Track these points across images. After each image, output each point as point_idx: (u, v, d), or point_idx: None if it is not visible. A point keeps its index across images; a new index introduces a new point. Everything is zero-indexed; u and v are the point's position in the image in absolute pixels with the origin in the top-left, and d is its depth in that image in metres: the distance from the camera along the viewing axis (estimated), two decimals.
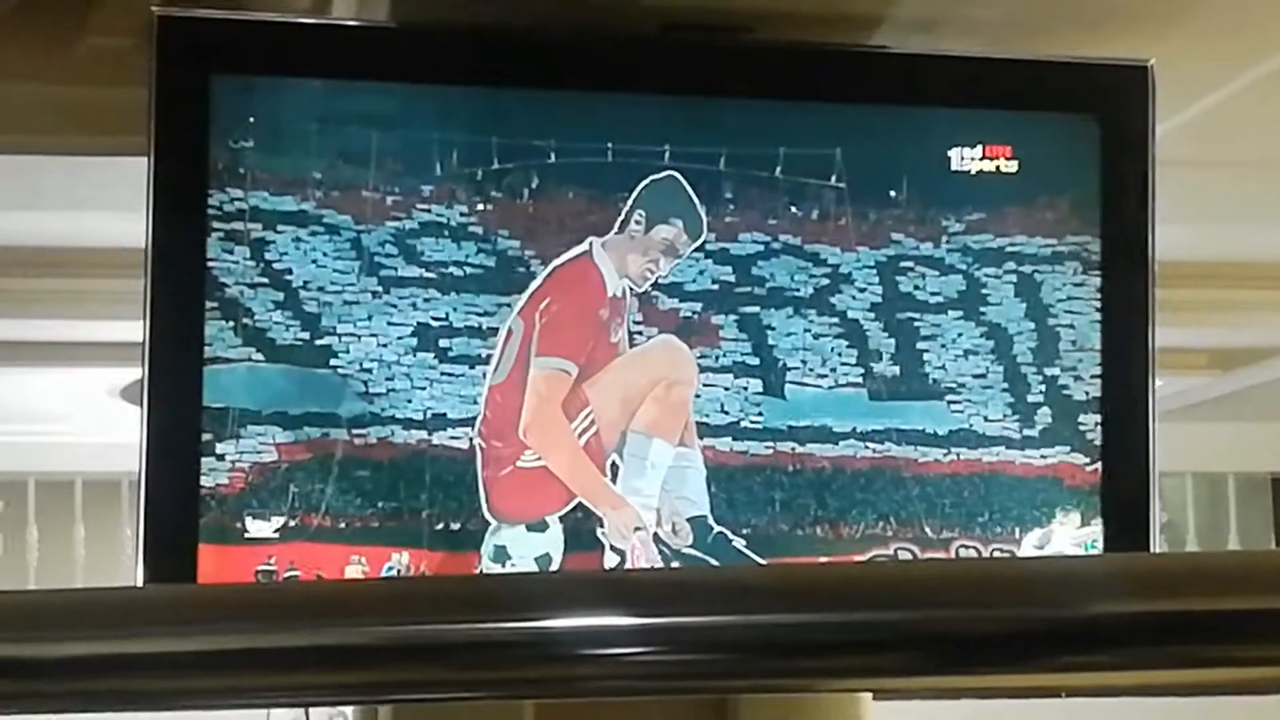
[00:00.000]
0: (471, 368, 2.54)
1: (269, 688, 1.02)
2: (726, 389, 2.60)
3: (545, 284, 2.57)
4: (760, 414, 2.60)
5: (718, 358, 2.60)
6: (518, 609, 0.97)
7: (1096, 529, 2.69)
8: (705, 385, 2.60)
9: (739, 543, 2.59)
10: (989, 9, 2.80)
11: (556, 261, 2.58)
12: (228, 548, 2.50)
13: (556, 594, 1.00)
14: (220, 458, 2.49)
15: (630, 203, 2.59)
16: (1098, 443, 2.71)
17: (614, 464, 2.59)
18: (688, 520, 2.59)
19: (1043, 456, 2.68)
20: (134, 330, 2.57)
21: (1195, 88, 3.09)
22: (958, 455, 2.63)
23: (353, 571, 2.51)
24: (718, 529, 2.59)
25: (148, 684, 0.99)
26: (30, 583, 6.99)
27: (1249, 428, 7.25)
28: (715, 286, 2.60)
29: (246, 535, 2.49)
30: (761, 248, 2.61)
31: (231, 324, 2.50)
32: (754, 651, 0.93)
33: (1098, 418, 2.72)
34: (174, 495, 2.50)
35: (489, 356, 2.55)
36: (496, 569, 2.55)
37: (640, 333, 2.60)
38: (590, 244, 2.59)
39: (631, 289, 2.60)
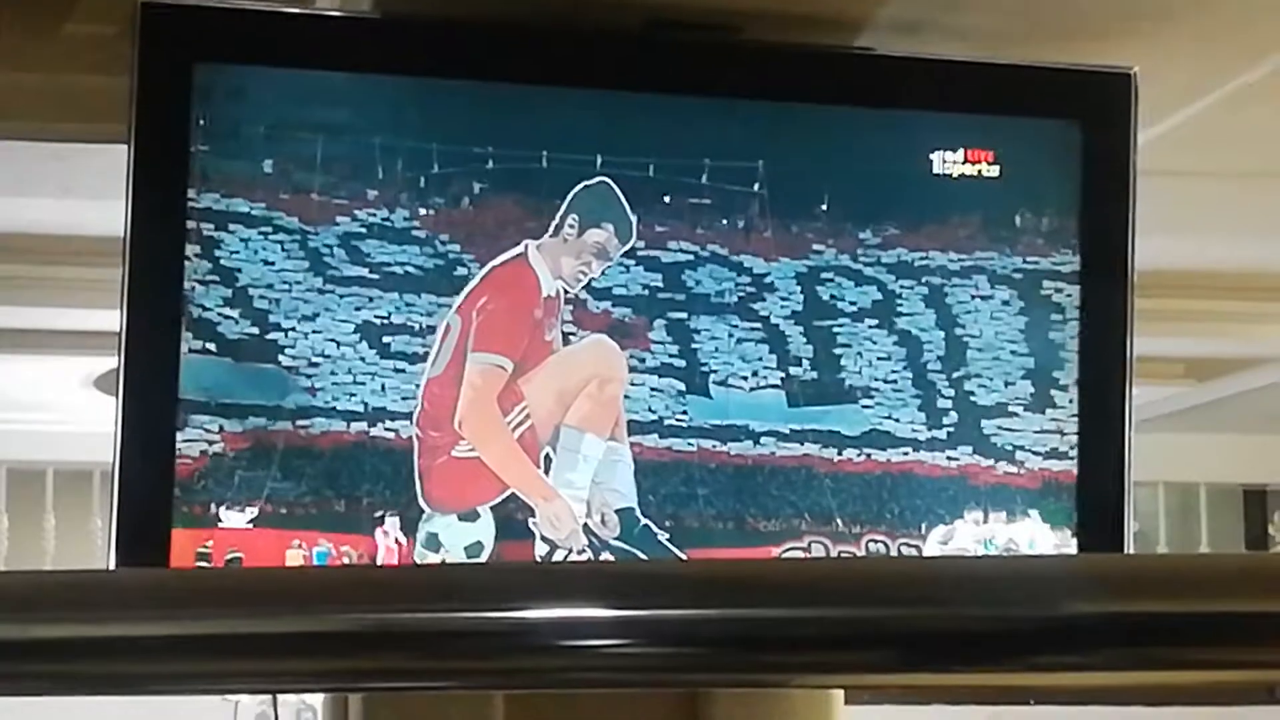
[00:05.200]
0: (412, 363, 2.57)
1: (240, 674, 1.00)
2: (654, 389, 2.65)
3: (482, 283, 2.61)
4: (685, 413, 2.66)
5: (645, 359, 2.65)
6: (491, 599, 0.95)
7: (1022, 529, 2.75)
8: (634, 385, 2.65)
9: (663, 535, 2.65)
10: (974, 14, 2.80)
11: (493, 262, 2.61)
12: (174, 530, 2.51)
13: (530, 584, 0.99)
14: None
15: (565, 207, 2.64)
16: (1072, 448, 2.76)
17: (547, 456, 2.63)
18: (616, 512, 2.64)
19: (948, 457, 2.74)
20: (110, 319, 2.56)
21: (1176, 97, 3.10)
22: (868, 455, 2.70)
23: (293, 556, 2.54)
24: (644, 521, 2.65)
25: (118, 668, 0.98)
26: None
27: (1222, 438, 7.26)
28: (645, 292, 2.65)
29: (190, 519, 2.51)
30: (690, 256, 2.66)
31: (192, 318, 2.51)
32: (728, 645, 0.92)
33: (1071, 423, 2.76)
34: (147, 481, 2.50)
35: (427, 353, 2.58)
36: (430, 556, 2.58)
37: (574, 334, 2.64)
38: (526, 246, 2.63)
39: (565, 290, 2.64)
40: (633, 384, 2.66)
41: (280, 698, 4.10)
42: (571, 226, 2.64)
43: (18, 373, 6.41)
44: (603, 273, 2.65)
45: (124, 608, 0.97)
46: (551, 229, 2.64)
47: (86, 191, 3.67)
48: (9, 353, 5.77)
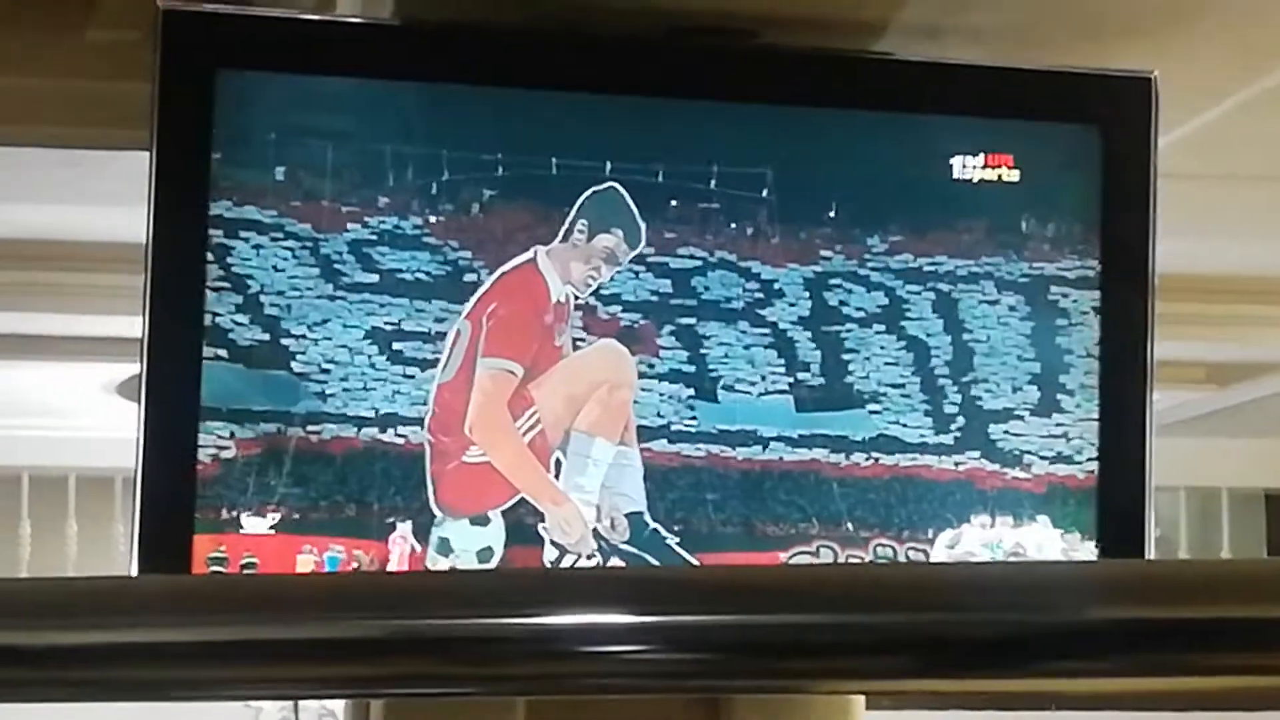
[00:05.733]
0: (422, 369, 2.58)
1: (262, 680, 1.01)
2: (663, 394, 2.66)
3: (492, 289, 2.62)
4: (694, 418, 2.67)
5: (654, 365, 2.66)
6: (514, 605, 0.95)
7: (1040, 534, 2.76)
8: (643, 390, 2.66)
9: (672, 539, 2.66)
10: (994, 17, 2.80)
11: (503, 268, 2.62)
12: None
13: (553, 590, 0.99)
14: None
15: (574, 213, 2.64)
16: (1093, 452, 2.76)
17: (558, 461, 2.64)
18: (625, 516, 2.65)
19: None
20: (132, 325, 2.57)
21: (1197, 101, 3.09)
22: (876, 460, 2.71)
23: (304, 561, 2.55)
24: (653, 525, 2.65)
25: (140, 675, 0.98)
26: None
27: (1244, 443, 7.23)
28: (655, 298, 2.66)
29: (203, 525, 2.52)
30: (700, 262, 2.67)
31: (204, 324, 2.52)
32: (749, 652, 0.92)
33: (1092, 429, 2.76)
34: (169, 487, 2.51)
35: (438, 359, 2.59)
36: (441, 561, 2.59)
37: (583, 339, 2.65)
38: (535, 252, 2.64)
39: (575, 295, 2.64)
40: (642, 389, 2.66)
41: (302, 703, 4.10)
42: (581, 232, 2.65)
43: (38, 379, 6.42)
44: (612, 278, 2.66)
45: (146, 614, 0.98)
46: (561, 234, 2.65)
47: (105, 197, 3.68)
48: (29, 359, 5.78)
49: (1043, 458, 2.75)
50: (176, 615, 0.98)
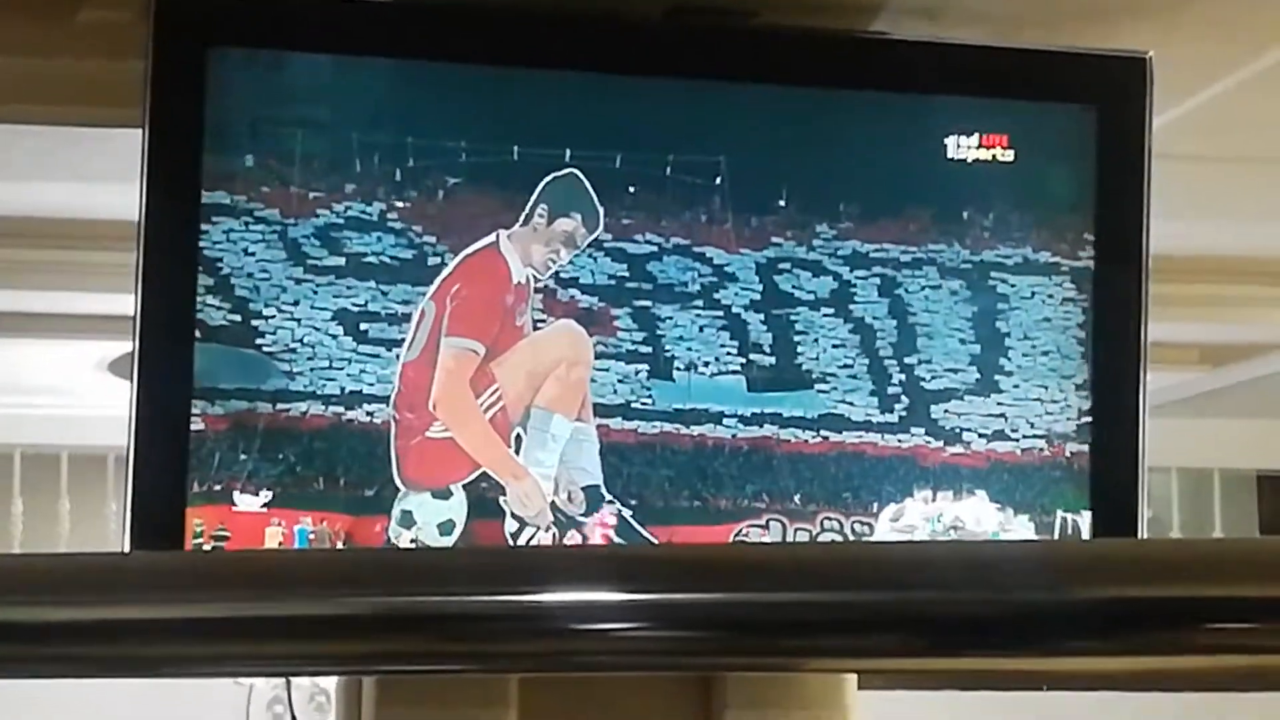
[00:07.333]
0: (388, 349, 2.62)
1: (254, 656, 1.00)
2: (620, 374, 2.71)
3: (455, 271, 2.65)
4: (650, 397, 2.71)
5: (612, 345, 2.70)
6: (507, 582, 0.96)
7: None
8: (601, 369, 2.70)
9: (627, 512, 2.71)
10: None
11: (466, 251, 2.66)
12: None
13: (546, 568, 0.99)
14: None
15: (535, 197, 2.68)
16: (1085, 431, 2.76)
17: (518, 436, 2.69)
18: (583, 490, 2.70)
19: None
20: (124, 304, 2.57)
21: (1193, 81, 3.09)
22: (825, 437, 2.75)
23: (272, 533, 2.59)
24: (609, 499, 2.71)
25: (132, 651, 0.97)
26: None
27: (1236, 424, 7.24)
28: (612, 282, 2.70)
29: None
30: (655, 247, 2.70)
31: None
32: (741, 630, 0.92)
33: (1085, 408, 2.76)
34: (161, 465, 2.52)
35: (404, 339, 2.63)
36: (404, 533, 2.63)
37: (543, 320, 2.69)
38: (497, 235, 2.68)
39: (535, 278, 2.68)
40: (600, 368, 2.70)
41: (293, 681, 4.11)
42: (541, 216, 2.68)
43: (32, 357, 6.42)
44: (572, 262, 2.68)
45: (138, 591, 0.97)
46: (522, 219, 2.68)
47: (100, 175, 3.68)
48: (23, 337, 5.77)
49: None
50: (169, 592, 0.97)
